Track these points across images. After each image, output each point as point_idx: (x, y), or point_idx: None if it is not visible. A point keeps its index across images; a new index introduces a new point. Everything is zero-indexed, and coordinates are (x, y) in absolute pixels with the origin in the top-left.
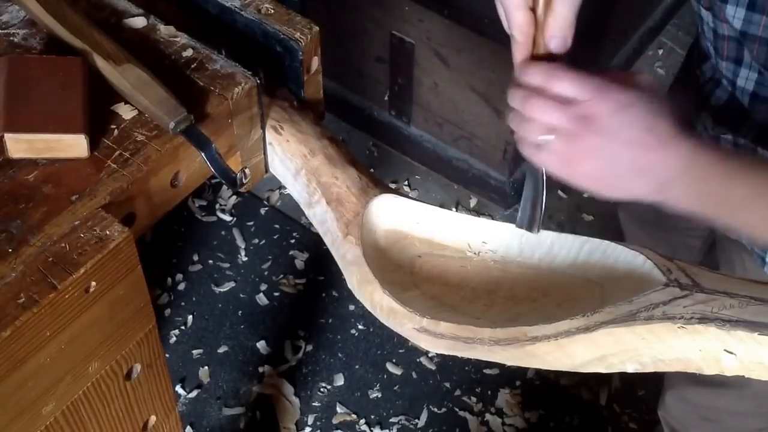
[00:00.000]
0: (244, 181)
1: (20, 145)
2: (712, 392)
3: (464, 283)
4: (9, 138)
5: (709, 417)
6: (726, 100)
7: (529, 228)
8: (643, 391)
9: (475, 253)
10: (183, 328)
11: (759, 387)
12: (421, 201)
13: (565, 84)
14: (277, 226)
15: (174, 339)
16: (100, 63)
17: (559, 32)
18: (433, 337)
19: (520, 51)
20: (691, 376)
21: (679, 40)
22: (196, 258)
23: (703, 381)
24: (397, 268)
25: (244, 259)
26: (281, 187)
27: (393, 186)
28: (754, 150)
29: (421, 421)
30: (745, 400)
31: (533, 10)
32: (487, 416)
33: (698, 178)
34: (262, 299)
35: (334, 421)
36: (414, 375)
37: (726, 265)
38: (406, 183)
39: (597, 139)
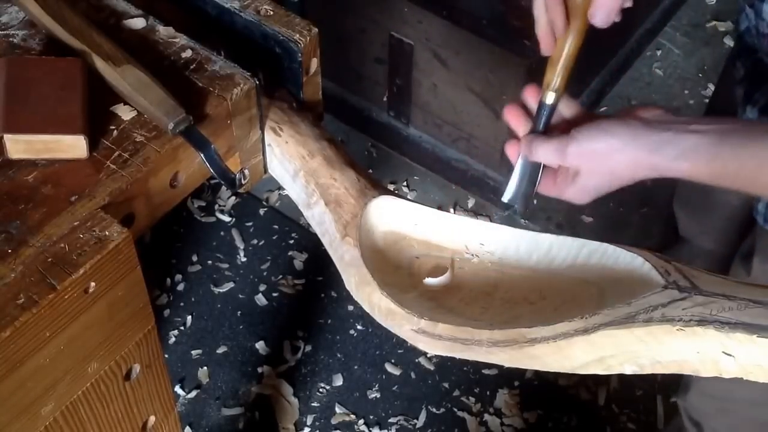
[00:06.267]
0: (243, 181)
1: (19, 146)
2: (731, 381)
3: (462, 285)
4: (8, 139)
5: (726, 408)
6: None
7: (515, 203)
8: (641, 392)
9: (472, 255)
10: (182, 328)
11: None
12: (419, 202)
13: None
14: (276, 226)
15: (173, 339)
16: (100, 64)
17: (604, 8)
18: (431, 338)
19: (544, 29)
20: None
21: (676, 42)
22: (195, 258)
23: None
24: (395, 269)
25: (243, 259)
26: (280, 187)
27: (391, 186)
28: None
29: (420, 422)
30: (765, 388)
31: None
32: (486, 416)
33: (712, 143)
34: (261, 300)
35: (333, 421)
36: (413, 375)
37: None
38: (404, 183)
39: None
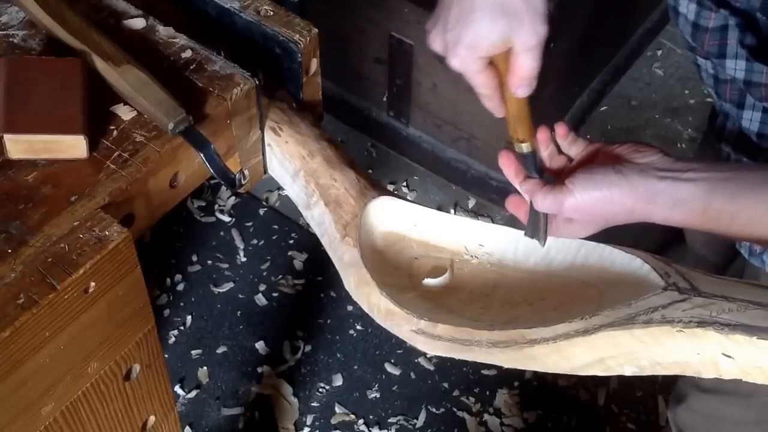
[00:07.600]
0: (243, 181)
1: (20, 146)
2: (719, 400)
3: (461, 286)
4: (8, 139)
5: (714, 426)
6: (737, 133)
7: (536, 238)
8: (641, 392)
9: (472, 256)
10: (182, 328)
11: (766, 396)
12: (419, 203)
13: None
14: (275, 226)
15: (173, 339)
16: (100, 64)
17: (522, 82)
18: (430, 338)
19: (489, 101)
20: (700, 385)
21: (677, 41)
22: (195, 258)
23: (712, 389)
24: (394, 269)
25: (243, 259)
26: (280, 188)
27: (391, 187)
28: None
29: (420, 422)
30: (751, 409)
31: (492, 62)
32: (486, 416)
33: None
34: (260, 300)
35: (333, 421)
36: (412, 375)
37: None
38: (404, 184)
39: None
